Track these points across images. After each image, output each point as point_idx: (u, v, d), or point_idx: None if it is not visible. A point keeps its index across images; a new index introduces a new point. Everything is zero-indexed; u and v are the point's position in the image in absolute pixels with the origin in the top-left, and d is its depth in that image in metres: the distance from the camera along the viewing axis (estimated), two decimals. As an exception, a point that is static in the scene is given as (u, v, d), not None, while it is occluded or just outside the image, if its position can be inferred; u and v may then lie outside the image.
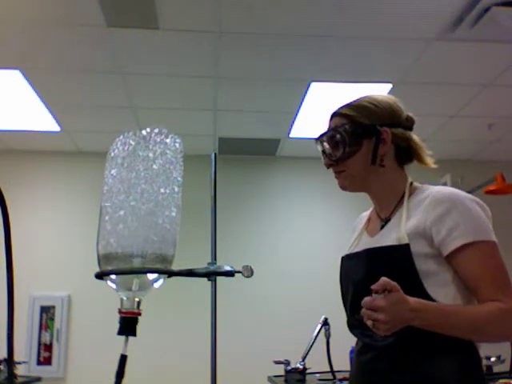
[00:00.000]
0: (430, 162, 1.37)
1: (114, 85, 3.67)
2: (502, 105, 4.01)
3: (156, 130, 0.98)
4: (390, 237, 1.28)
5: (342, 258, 1.45)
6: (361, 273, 1.28)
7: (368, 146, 1.32)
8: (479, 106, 3.99)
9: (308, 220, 5.04)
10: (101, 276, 0.93)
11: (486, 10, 2.78)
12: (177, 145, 0.99)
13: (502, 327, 1.16)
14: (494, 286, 1.17)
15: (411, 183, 1.37)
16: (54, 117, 4.17)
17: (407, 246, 1.21)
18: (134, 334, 0.91)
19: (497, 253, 1.20)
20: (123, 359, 0.91)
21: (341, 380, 2.70)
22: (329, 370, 2.75)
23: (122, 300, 0.93)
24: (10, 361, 0.63)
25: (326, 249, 4.92)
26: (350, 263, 1.38)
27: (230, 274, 1.03)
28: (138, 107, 4.04)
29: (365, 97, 1.39)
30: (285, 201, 5.08)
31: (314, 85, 3.70)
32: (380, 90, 3.77)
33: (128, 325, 0.91)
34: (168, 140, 0.98)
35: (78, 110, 4.10)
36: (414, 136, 1.37)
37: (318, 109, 4.12)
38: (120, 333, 0.91)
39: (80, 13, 2.84)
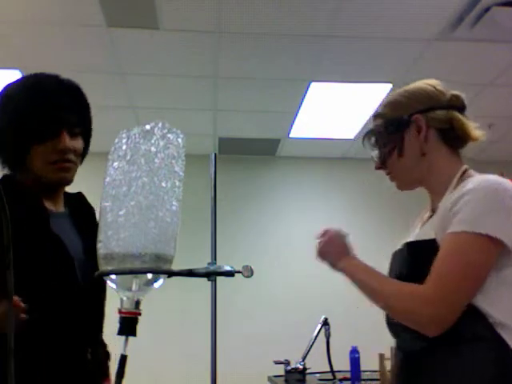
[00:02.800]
0: (479, 134, 1.27)
1: (114, 85, 3.67)
2: (502, 105, 4.01)
3: (159, 125, 0.98)
4: (427, 230, 1.22)
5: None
6: (398, 267, 1.25)
7: (410, 138, 1.26)
8: (479, 105, 3.99)
9: (308, 220, 5.03)
10: (101, 276, 0.93)
11: (486, 9, 2.78)
12: (179, 140, 0.99)
13: (400, 302, 1.14)
14: (434, 276, 1.10)
15: (465, 171, 1.25)
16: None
17: (433, 241, 1.15)
18: (133, 334, 0.91)
19: (474, 250, 1.09)
20: (123, 359, 0.91)
21: (341, 380, 2.70)
22: (329, 369, 2.74)
23: (121, 300, 0.93)
24: (9, 361, 0.63)
25: (326, 249, 4.92)
26: (394, 257, 1.32)
27: (230, 274, 1.03)
28: (138, 107, 4.04)
29: (398, 90, 1.33)
30: (285, 201, 5.08)
31: (313, 85, 3.70)
32: (380, 90, 3.77)
33: (128, 325, 0.91)
34: (171, 135, 0.98)
35: (78, 110, 4.09)
36: (457, 114, 1.27)
37: (317, 109, 4.12)
38: (120, 333, 0.91)
39: (80, 13, 2.84)
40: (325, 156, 5.06)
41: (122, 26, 2.97)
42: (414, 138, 1.25)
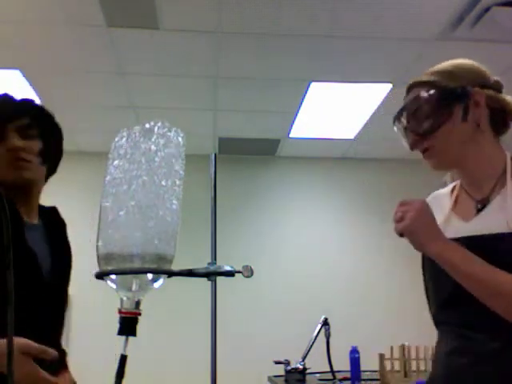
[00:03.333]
0: None
1: (114, 85, 3.67)
2: (502, 105, 4.01)
3: (159, 124, 0.98)
4: (492, 223, 1.09)
5: None
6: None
7: (459, 114, 1.15)
8: (479, 105, 3.99)
9: (308, 220, 5.03)
10: (101, 276, 0.93)
11: (486, 9, 2.78)
12: (179, 139, 0.99)
13: None
14: None
15: None
16: (54, 117, 4.17)
17: None
18: (133, 334, 0.91)
19: None
20: (123, 359, 0.91)
21: (341, 380, 2.70)
22: (329, 370, 2.74)
23: (121, 300, 0.93)
24: (9, 361, 0.63)
25: (326, 249, 4.92)
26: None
27: (230, 274, 1.03)
28: (138, 107, 4.04)
29: (443, 63, 1.22)
30: (285, 201, 5.08)
31: (313, 85, 3.70)
32: (380, 90, 3.77)
33: (128, 325, 0.91)
34: (171, 133, 0.98)
35: (78, 109, 4.10)
36: (509, 97, 1.19)
37: (317, 109, 4.12)
38: (120, 333, 0.91)
39: (80, 13, 2.84)
40: (325, 156, 5.06)
41: (122, 26, 2.97)
42: (471, 111, 1.15)
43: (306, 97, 3.88)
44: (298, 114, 4.18)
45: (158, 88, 3.73)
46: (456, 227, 1.17)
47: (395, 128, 1.27)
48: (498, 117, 1.18)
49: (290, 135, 4.60)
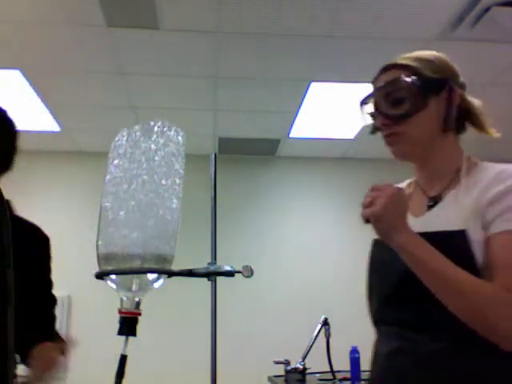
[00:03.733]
0: (493, 130, 1.19)
1: (114, 85, 3.67)
2: (502, 105, 4.01)
3: (159, 123, 0.98)
4: (442, 220, 1.08)
5: (375, 240, 1.22)
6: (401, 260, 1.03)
7: (435, 105, 1.13)
8: (479, 105, 3.99)
9: (308, 220, 5.03)
10: (101, 276, 0.93)
11: (486, 9, 2.78)
12: (179, 138, 0.99)
13: (493, 309, 0.95)
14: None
15: (468, 157, 1.17)
16: (54, 117, 4.17)
17: (464, 232, 1.02)
18: (133, 334, 0.91)
19: None
20: (123, 359, 0.91)
21: (341, 380, 2.70)
22: (329, 369, 2.74)
23: (121, 300, 0.93)
24: (9, 360, 0.62)
25: (326, 249, 4.92)
26: (386, 248, 1.11)
27: (230, 274, 1.03)
28: (137, 107, 4.04)
29: (420, 51, 1.20)
30: (285, 201, 5.08)
31: (313, 85, 3.70)
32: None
33: (128, 325, 0.91)
34: (170, 132, 0.98)
35: (78, 109, 4.10)
36: (475, 100, 1.19)
37: (317, 109, 4.12)
38: (120, 333, 0.91)
39: (80, 13, 2.84)
40: (325, 156, 5.06)
41: (122, 26, 2.97)
42: (443, 106, 1.14)
43: (306, 97, 3.88)
44: (298, 114, 4.18)
45: (158, 88, 3.73)
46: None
47: (361, 107, 1.24)
48: (463, 117, 1.18)
49: (290, 135, 4.60)
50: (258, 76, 3.58)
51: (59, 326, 5.27)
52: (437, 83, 1.14)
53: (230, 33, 3.05)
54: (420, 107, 1.12)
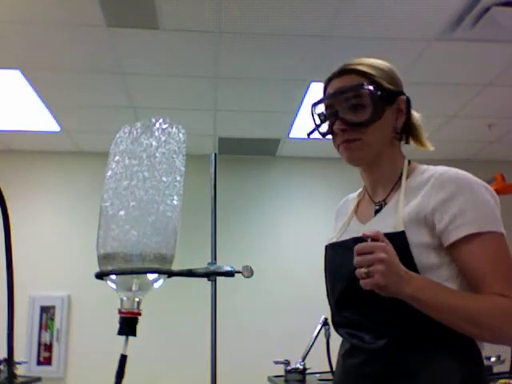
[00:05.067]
0: (429, 144, 1.25)
1: (114, 85, 3.67)
2: (502, 105, 4.01)
3: (160, 120, 0.98)
4: (385, 224, 1.13)
5: (327, 247, 1.28)
6: (351, 265, 1.02)
7: (389, 115, 1.18)
8: (479, 106, 3.99)
9: (308, 220, 5.03)
10: (101, 276, 0.93)
11: (486, 10, 2.78)
12: (180, 135, 0.99)
13: (503, 323, 1.01)
14: (501, 281, 1.02)
15: (409, 162, 1.22)
16: (54, 117, 4.17)
17: (403, 233, 1.07)
18: (134, 334, 0.91)
19: (505, 246, 1.06)
20: (123, 359, 0.91)
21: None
22: (329, 370, 2.74)
23: (121, 300, 0.93)
24: (10, 361, 0.62)
25: (326, 249, 4.92)
26: (336, 254, 1.22)
27: (230, 274, 1.03)
28: (138, 107, 4.04)
29: (373, 59, 1.23)
30: (285, 201, 5.08)
31: (313, 85, 3.70)
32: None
33: (128, 325, 0.91)
34: (172, 130, 0.98)
35: (78, 110, 4.10)
36: (414, 112, 1.25)
37: (317, 109, 4.12)
38: (120, 333, 0.91)
39: (80, 13, 2.84)
40: (325, 156, 5.06)
41: (122, 26, 2.97)
42: (394, 116, 1.20)
43: (306, 97, 3.88)
44: (298, 114, 4.18)
45: (158, 88, 3.73)
46: (353, 229, 1.22)
47: (313, 109, 1.30)
48: (405, 127, 1.23)
49: (290, 135, 4.60)
50: (257, 76, 3.58)
51: (59, 325, 5.29)
52: (394, 94, 1.19)
53: (229, 33, 3.05)
54: (380, 116, 1.16)
